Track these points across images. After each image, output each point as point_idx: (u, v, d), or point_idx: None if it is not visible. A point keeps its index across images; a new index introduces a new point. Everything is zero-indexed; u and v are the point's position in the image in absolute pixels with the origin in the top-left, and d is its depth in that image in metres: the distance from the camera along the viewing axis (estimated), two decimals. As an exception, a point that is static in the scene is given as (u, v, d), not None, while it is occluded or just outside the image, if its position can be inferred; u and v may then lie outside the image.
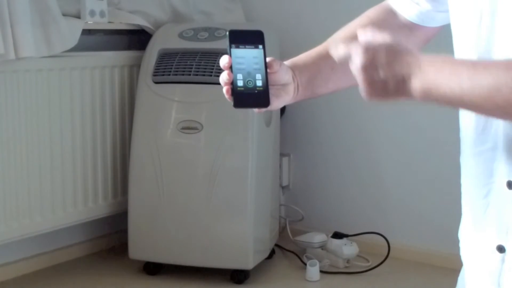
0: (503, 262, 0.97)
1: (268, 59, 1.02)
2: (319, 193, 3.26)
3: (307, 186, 3.29)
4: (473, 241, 1.03)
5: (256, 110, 1.03)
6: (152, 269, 2.79)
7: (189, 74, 2.70)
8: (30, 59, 2.49)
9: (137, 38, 3.04)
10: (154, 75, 2.74)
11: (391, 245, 2.89)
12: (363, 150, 3.14)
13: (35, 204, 2.61)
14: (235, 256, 2.68)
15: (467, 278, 1.06)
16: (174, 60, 2.74)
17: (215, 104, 2.65)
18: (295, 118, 3.24)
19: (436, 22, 1.13)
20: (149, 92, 2.73)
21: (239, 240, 2.66)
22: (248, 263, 2.68)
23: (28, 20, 2.44)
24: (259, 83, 1.00)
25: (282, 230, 3.22)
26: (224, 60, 1.01)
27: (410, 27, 1.14)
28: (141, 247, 2.75)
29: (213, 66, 2.66)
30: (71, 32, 2.62)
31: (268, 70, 1.02)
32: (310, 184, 3.28)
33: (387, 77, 0.89)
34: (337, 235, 2.92)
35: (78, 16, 2.72)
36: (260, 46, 1.02)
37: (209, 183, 2.64)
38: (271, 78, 1.02)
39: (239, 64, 1.00)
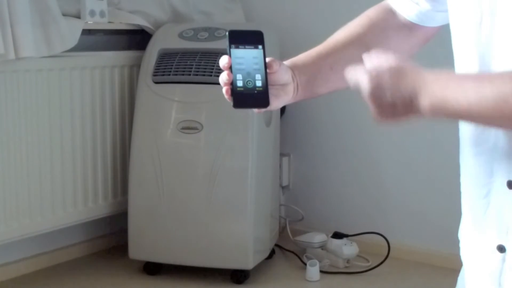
0: (503, 261, 0.97)
1: (267, 59, 1.02)
2: (319, 193, 3.25)
3: (307, 186, 3.29)
4: (473, 241, 1.03)
5: (255, 110, 1.03)
6: (152, 269, 2.79)
7: (189, 74, 2.70)
8: (30, 59, 2.49)
9: (137, 38, 3.04)
10: (154, 75, 2.74)
11: (391, 245, 2.89)
12: (363, 150, 3.13)
13: (35, 204, 2.61)
14: (235, 256, 2.68)
15: (467, 278, 1.06)
16: (174, 60, 2.74)
17: (215, 104, 2.65)
18: (295, 118, 3.24)
19: (435, 22, 1.13)
20: (149, 92, 2.73)
21: (239, 240, 2.66)
22: (248, 263, 2.68)
23: (28, 20, 2.44)
24: (258, 83, 1.00)
25: (282, 230, 3.22)
26: (223, 60, 1.01)
27: (410, 27, 1.14)
28: (141, 247, 2.75)
29: (213, 66, 2.67)
30: (71, 32, 2.62)
31: (267, 70, 1.01)
32: (310, 184, 3.28)
33: (394, 99, 0.91)
34: (337, 235, 2.92)
35: (78, 16, 2.72)
36: (260, 46, 1.01)
37: (209, 183, 2.64)
38: (271, 78, 1.02)
39: (239, 64, 1.00)
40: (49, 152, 2.64)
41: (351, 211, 3.17)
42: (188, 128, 2.68)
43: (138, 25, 2.94)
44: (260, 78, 1.00)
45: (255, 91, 1.00)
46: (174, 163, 2.69)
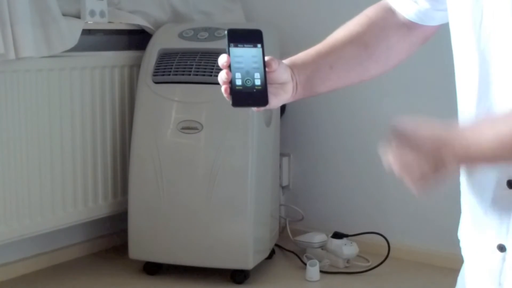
0: (503, 261, 0.97)
1: (266, 58, 1.02)
2: (319, 193, 3.25)
3: (307, 186, 3.29)
4: (473, 240, 1.03)
5: (255, 108, 1.03)
6: (152, 269, 2.79)
7: (189, 74, 2.70)
8: (30, 59, 2.49)
9: (137, 38, 3.04)
10: (154, 75, 2.74)
11: (391, 245, 2.89)
12: (363, 150, 3.13)
13: (35, 204, 2.61)
14: (235, 256, 2.67)
15: (468, 277, 1.05)
16: (174, 60, 2.74)
17: (215, 104, 2.65)
18: (295, 118, 3.24)
19: (435, 21, 1.13)
20: (149, 92, 2.73)
21: (239, 240, 2.66)
22: (248, 263, 2.68)
23: (28, 20, 2.44)
24: (257, 82, 1.00)
25: (282, 230, 3.22)
26: (222, 59, 1.00)
27: (409, 26, 1.14)
28: (141, 247, 2.75)
29: (213, 66, 2.67)
30: (71, 32, 2.62)
31: (266, 69, 1.01)
32: (310, 184, 3.28)
33: (424, 172, 0.93)
34: (337, 235, 2.92)
35: (78, 16, 2.72)
36: (259, 45, 1.01)
37: (209, 183, 2.64)
38: (270, 77, 1.02)
39: (238, 63, 1.00)
40: (49, 152, 2.64)
41: (351, 211, 3.17)
42: (188, 128, 2.68)
43: (138, 25, 2.95)
44: (259, 77, 1.00)
45: (254, 90, 1.00)
46: (174, 163, 2.69)
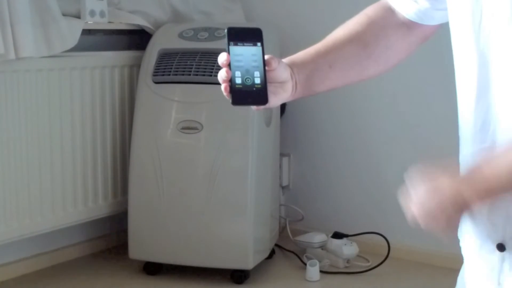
0: (503, 260, 0.97)
1: (266, 57, 1.02)
2: (319, 193, 3.25)
3: (307, 186, 3.29)
4: (473, 240, 1.03)
5: (254, 107, 1.03)
6: (152, 269, 2.79)
7: (189, 74, 2.70)
8: (30, 59, 2.49)
9: (137, 38, 3.04)
10: (154, 75, 2.74)
11: (391, 245, 2.89)
12: (363, 150, 3.13)
13: (35, 204, 2.61)
14: (235, 256, 2.67)
15: (467, 277, 1.05)
16: (174, 60, 2.74)
17: (215, 104, 2.65)
18: (295, 118, 3.24)
19: (434, 20, 1.13)
20: (149, 92, 2.74)
21: (239, 240, 2.66)
22: (248, 263, 2.68)
23: (28, 20, 2.44)
24: (257, 80, 1.00)
25: (282, 230, 3.22)
26: (222, 57, 1.00)
27: (408, 25, 1.14)
28: (141, 247, 2.75)
29: (213, 66, 2.67)
30: (71, 32, 2.62)
31: (266, 68, 1.01)
32: (310, 184, 3.28)
33: (453, 216, 0.95)
34: (337, 235, 2.92)
35: (78, 16, 2.72)
36: (259, 44, 1.01)
37: (209, 183, 2.64)
38: (270, 75, 1.02)
39: (238, 61, 1.00)
40: (49, 152, 2.64)
41: (351, 211, 3.17)
42: (188, 128, 2.68)
43: (138, 25, 2.95)
44: (258, 75, 1.00)
45: (254, 88, 1.00)
46: (174, 163, 2.69)
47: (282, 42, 2.91)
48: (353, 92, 3.02)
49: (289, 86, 1.06)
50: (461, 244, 1.08)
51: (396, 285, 2.78)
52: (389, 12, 1.15)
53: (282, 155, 3.16)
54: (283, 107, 3.13)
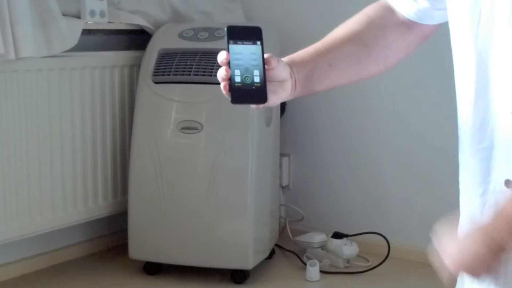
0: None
1: (266, 56, 1.02)
2: (319, 193, 3.25)
3: (307, 186, 3.29)
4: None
5: (253, 106, 1.03)
6: (152, 269, 2.79)
7: (189, 74, 2.70)
8: (30, 59, 2.49)
9: (137, 38, 3.04)
10: (154, 75, 2.74)
11: (391, 245, 2.89)
12: (363, 150, 3.13)
13: (35, 204, 2.61)
14: (235, 256, 2.67)
15: (467, 277, 1.05)
16: (174, 60, 2.74)
17: (215, 104, 2.65)
18: (295, 118, 3.24)
19: (434, 20, 1.13)
20: (149, 92, 2.74)
21: (239, 240, 2.66)
22: (248, 263, 2.68)
23: (28, 20, 2.44)
24: (256, 79, 1.00)
25: (282, 230, 3.22)
26: (221, 56, 1.00)
27: (408, 25, 1.14)
28: (141, 247, 2.75)
29: (213, 66, 2.67)
30: (71, 32, 2.62)
31: (266, 67, 1.01)
32: (310, 184, 3.28)
33: (488, 261, 0.92)
34: (337, 235, 2.92)
35: (78, 16, 2.72)
36: (258, 42, 1.01)
37: (209, 183, 2.64)
38: (269, 74, 1.02)
39: (237, 60, 1.00)
40: (49, 152, 2.64)
41: (351, 211, 3.17)
42: (188, 128, 2.68)
43: (138, 25, 2.95)
44: (258, 74, 1.00)
45: (253, 87, 1.00)
46: (174, 163, 2.69)
47: (282, 42, 2.91)
48: (353, 92, 3.02)
49: (288, 85, 1.06)
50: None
51: (396, 285, 2.78)
52: (389, 11, 1.15)
53: (282, 155, 3.16)
54: (283, 107, 3.13)
